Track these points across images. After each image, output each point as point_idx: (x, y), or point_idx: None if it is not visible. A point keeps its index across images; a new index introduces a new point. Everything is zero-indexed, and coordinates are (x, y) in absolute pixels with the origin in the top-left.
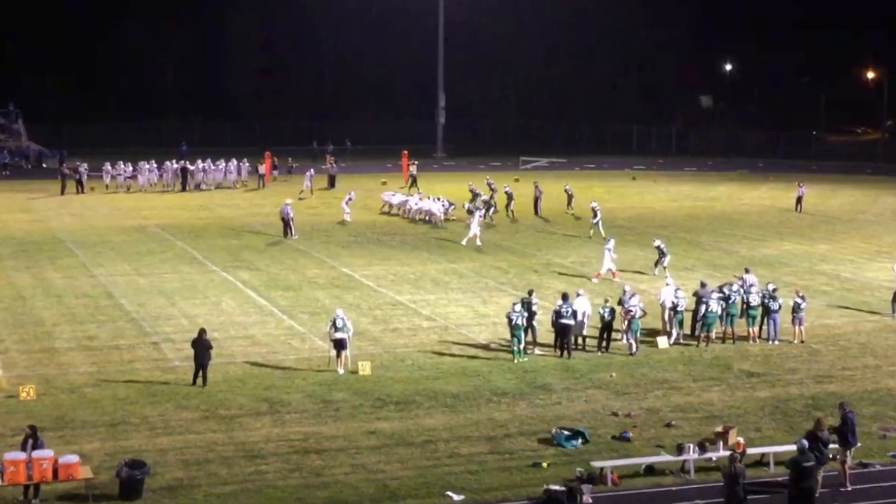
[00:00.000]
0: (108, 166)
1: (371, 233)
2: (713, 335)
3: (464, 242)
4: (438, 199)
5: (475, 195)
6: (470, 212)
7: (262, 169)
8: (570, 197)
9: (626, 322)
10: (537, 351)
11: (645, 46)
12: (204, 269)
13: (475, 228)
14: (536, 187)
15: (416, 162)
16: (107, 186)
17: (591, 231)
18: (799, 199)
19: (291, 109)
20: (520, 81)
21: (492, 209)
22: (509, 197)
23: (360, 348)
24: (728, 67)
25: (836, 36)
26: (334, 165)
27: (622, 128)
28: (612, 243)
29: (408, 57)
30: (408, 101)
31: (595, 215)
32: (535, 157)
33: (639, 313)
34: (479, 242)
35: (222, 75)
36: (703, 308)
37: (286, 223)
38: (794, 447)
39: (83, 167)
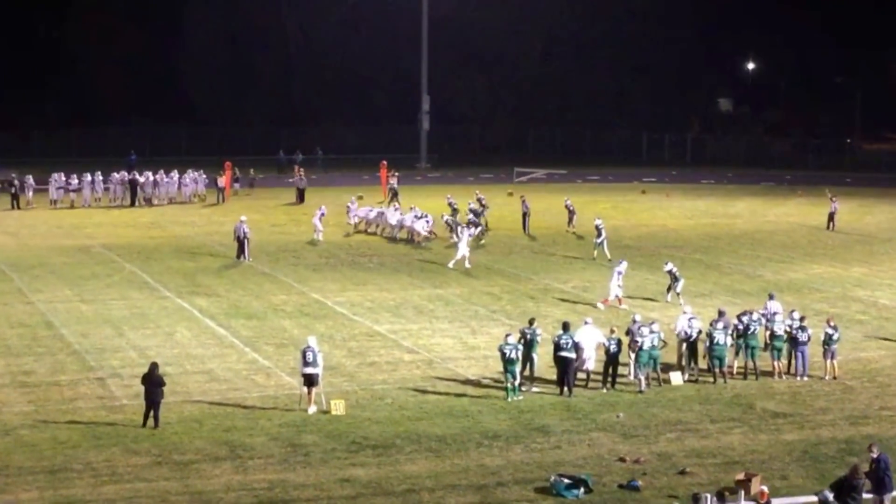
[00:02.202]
0: (59, 177)
1: (345, 254)
2: (726, 369)
3: (451, 265)
4: (424, 215)
5: (455, 209)
6: (450, 227)
7: (222, 181)
8: (571, 213)
9: (634, 355)
10: (534, 388)
11: (656, 43)
12: (156, 295)
13: (464, 249)
14: (524, 203)
15: (396, 173)
16: (52, 202)
17: (595, 252)
18: (831, 216)
19: (255, 114)
20: (514, 83)
21: (480, 228)
22: (524, 213)
23: (333, 385)
24: (750, 66)
25: (874, 28)
26: (303, 178)
27: (630, 135)
28: (623, 266)
29: (387, 55)
30: (387, 104)
31: (599, 234)
32: (532, 168)
33: (648, 344)
34: (468, 264)
35: (177, 75)
36: (708, 340)
37: (241, 243)
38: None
39: (28, 179)
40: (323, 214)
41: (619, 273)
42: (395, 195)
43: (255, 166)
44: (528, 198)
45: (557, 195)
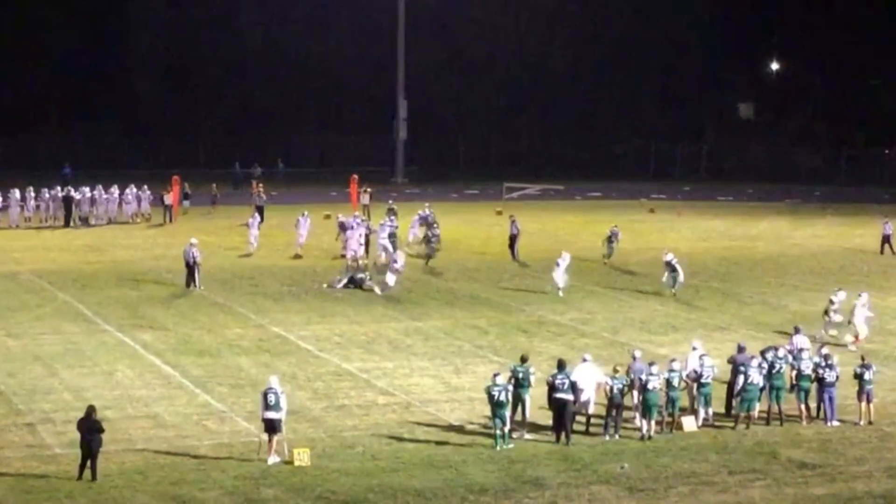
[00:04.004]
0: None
1: (310, 280)
2: (755, 414)
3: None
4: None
5: (392, 232)
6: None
7: (169, 198)
8: (611, 239)
9: (640, 397)
10: (527, 435)
11: (665, 40)
12: (93, 329)
13: (391, 279)
14: (513, 223)
15: (368, 189)
16: None
17: (675, 291)
18: (886, 239)
19: (207, 122)
20: (504, 86)
21: (432, 242)
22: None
23: (296, 431)
24: (774, 67)
25: None
26: (262, 194)
27: (637, 145)
28: (865, 298)
29: (359, 55)
30: (358, 111)
31: (674, 269)
32: (524, 182)
33: (653, 385)
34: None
35: (118, 78)
36: (741, 379)
37: (191, 269)
38: None
39: None
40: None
41: (863, 306)
42: (366, 214)
43: (211, 181)
44: (518, 217)
45: (553, 214)
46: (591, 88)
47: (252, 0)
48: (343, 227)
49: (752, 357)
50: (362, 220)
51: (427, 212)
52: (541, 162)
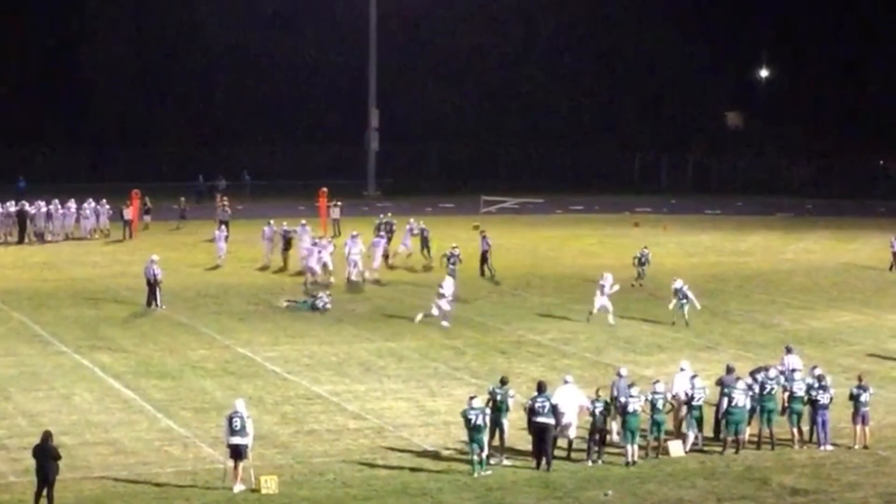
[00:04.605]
0: None
1: (278, 298)
2: (744, 438)
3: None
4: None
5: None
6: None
7: (129, 213)
8: (641, 261)
9: (622, 419)
10: (505, 460)
11: (650, 46)
12: (50, 350)
13: (445, 306)
14: (484, 239)
15: (338, 203)
16: None
17: (684, 318)
18: (895, 256)
19: (169, 133)
20: (481, 94)
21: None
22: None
23: (263, 457)
24: (764, 74)
25: None
26: (227, 208)
27: (620, 156)
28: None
29: (328, 62)
30: (328, 121)
31: (683, 297)
32: (502, 196)
33: (634, 407)
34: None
35: (75, 85)
36: (725, 402)
37: (152, 287)
38: None
39: None
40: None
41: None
42: (336, 228)
43: (173, 194)
44: (494, 232)
45: (533, 228)
46: (572, 97)
47: (217, 6)
48: (285, 237)
49: (737, 378)
50: (329, 241)
51: (414, 223)
52: (520, 174)
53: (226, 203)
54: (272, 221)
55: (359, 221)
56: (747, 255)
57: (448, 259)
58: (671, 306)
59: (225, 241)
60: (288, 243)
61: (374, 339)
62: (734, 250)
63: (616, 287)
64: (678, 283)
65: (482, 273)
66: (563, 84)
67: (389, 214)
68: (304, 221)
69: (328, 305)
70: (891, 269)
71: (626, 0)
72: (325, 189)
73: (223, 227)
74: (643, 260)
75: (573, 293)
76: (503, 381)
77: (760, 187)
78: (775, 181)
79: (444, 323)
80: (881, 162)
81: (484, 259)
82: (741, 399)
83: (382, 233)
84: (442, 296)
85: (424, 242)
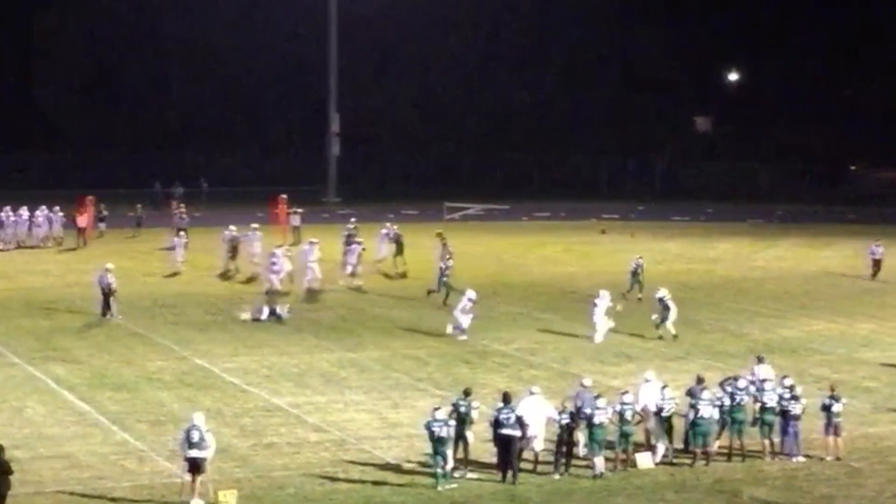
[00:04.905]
0: None
1: (237, 309)
2: (713, 450)
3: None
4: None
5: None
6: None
7: (82, 220)
8: (636, 272)
9: (588, 431)
10: (470, 473)
11: (617, 49)
12: (1, 362)
13: (462, 318)
14: (444, 246)
15: (298, 210)
16: None
17: (661, 331)
18: (876, 264)
19: (123, 137)
20: (446, 98)
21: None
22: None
23: (222, 471)
24: (733, 77)
25: (887, 35)
26: (184, 216)
27: (587, 162)
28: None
29: (288, 65)
30: (287, 125)
31: (667, 308)
32: (466, 202)
33: (600, 419)
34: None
35: (26, 87)
36: (692, 413)
37: (106, 296)
38: None
39: None
40: (363, 249)
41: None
42: (296, 236)
43: (129, 201)
44: (457, 239)
45: (498, 235)
46: (540, 102)
47: (174, 8)
48: (232, 243)
49: (703, 389)
50: (286, 251)
51: (388, 228)
52: (485, 180)
53: (183, 210)
54: (232, 227)
55: (319, 229)
56: (717, 262)
57: (443, 272)
58: (653, 317)
59: (185, 248)
60: (234, 249)
61: (335, 349)
62: (703, 258)
63: (610, 305)
64: (661, 293)
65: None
66: (529, 89)
67: (353, 220)
68: (255, 226)
69: (287, 314)
70: (873, 276)
71: (593, 4)
72: (283, 196)
73: (182, 233)
74: (637, 271)
75: (539, 302)
76: (466, 393)
77: (729, 193)
78: (744, 187)
79: (461, 335)
80: (853, 167)
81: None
82: (708, 410)
83: (359, 239)
84: (463, 309)
85: (399, 248)
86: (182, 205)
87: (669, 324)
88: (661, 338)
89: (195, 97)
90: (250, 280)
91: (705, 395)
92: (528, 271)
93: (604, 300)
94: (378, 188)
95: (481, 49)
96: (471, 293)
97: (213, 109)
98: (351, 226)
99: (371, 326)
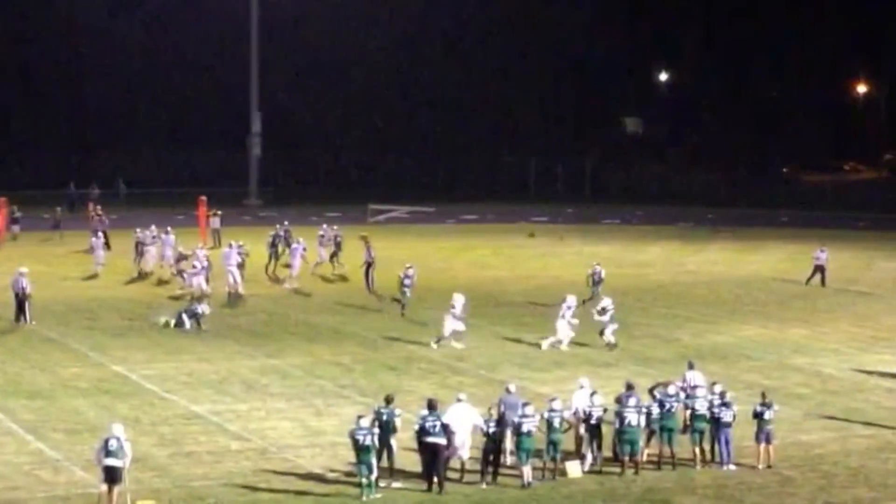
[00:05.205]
0: None
1: (154, 314)
2: (642, 458)
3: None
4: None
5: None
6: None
7: None
8: (595, 279)
9: (516, 439)
10: (395, 483)
11: (546, 48)
12: None
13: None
14: (368, 250)
15: (218, 212)
16: None
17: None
18: (819, 269)
19: (37, 137)
20: (370, 98)
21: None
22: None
23: (139, 481)
24: (663, 77)
25: (816, 36)
26: (105, 218)
27: (515, 163)
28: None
29: (208, 63)
30: (207, 125)
31: (603, 312)
32: (391, 204)
33: (528, 427)
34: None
35: None
36: (617, 421)
37: (20, 302)
38: None
39: None
40: (304, 249)
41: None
42: (217, 239)
43: (44, 203)
44: (379, 242)
45: (424, 238)
46: (467, 101)
47: (89, 4)
48: (139, 245)
49: (629, 396)
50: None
51: (325, 229)
52: (410, 181)
53: (99, 212)
54: (154, 227)
55: (240, 231)
56: (647, 266)
57: (402, 281)
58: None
59: (103, 249)
60: (141, 251)
61: (257, 355)
62: (634, 261)
63: (574, 315)
64: (606, 302)
65: (368, 288)
66: (457, 89)
67: (286, 223)
68: (169, 229)
69: (206, 311)
70: (822, 283)
71: (520, 3)
72: (204, 197)
73: (100, 234)
74: (596, 279)
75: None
76: (388, 400)
77: (660, 196)
78: (675, 190)
79: (457, 345)
80: (784, 169)
81: (367, 272)
82: (634, 418)
83: (301, 238)
84: (454, 315)
85: (337, 249)
86: (98, 206)
87: (609, 332)
88: (613, 346)
89: (114, 97)
90: (162, 283)
91: (631, 401)
92: (455, 276)
93: (570, 307)
94: (300, 189)
95: (409, 51)
96: (458, 298)
97: (133, 109)
98: (281, 228)
99: (294, 332)
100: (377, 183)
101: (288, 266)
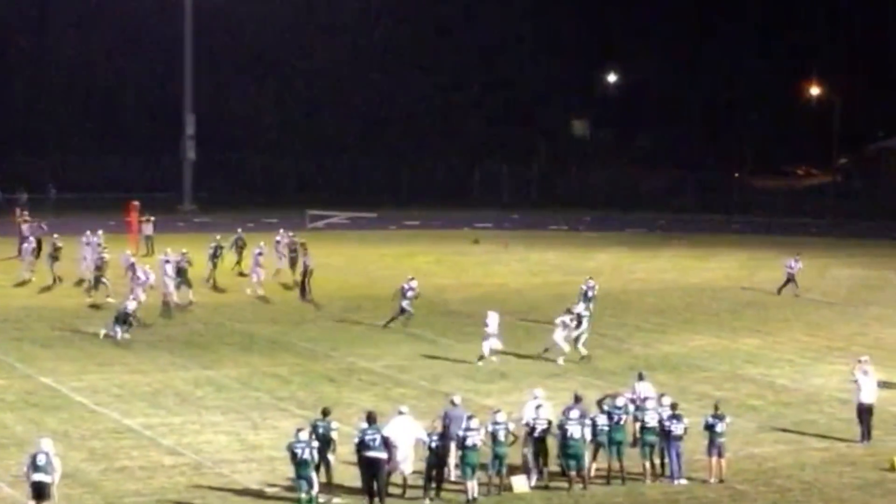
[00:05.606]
0: None
1: (85, 323)
2: (589, 474)
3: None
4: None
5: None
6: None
7: None
8: (588, 295)
9: (460, 453)
10: (336, 499)
11: (490, 48)
12: None
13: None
14: (305, 256)
15: (151, 218)
16: None
17: (578, 349)
18: (791, 278)
19: None
20: (309, 98)
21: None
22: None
23: (69, 498)
24: (611, 79)
25: (768, 39)
26: (43, 225)
27: (459, 167)
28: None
29: (139, 61)
30: (139, 127)
31: (579, 324)
32: (330, 210)
33: (473, 441)
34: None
35: None
36: (559, 434)
37: None
38: None
39: None
40: (261, 254)
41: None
42: (149, 245)
43: None
44: (317, 249)
45: (364, 245)
46: (408, 103)
47: (15, 5)
48: (54, 247)
49: (572, 408)
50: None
51: (282, 236)
52: (350, 186)
53: (27, 218)
54: (89, 232)
55: (174, 239)
56: (595, 274)
57: (403, 293)
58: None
59: (32, 254)
60: (56, 252)
61: (191, 366)
62: (581, 269)
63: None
64: (579, 308)
65: (303, 296)
66: (398, 92)
67: (240, 230)
68: (100, 231)
69: (135, 311)
70: (796, 294)
71: (467, 4)
72: (136, 203)
73: (30, 239)
74: (589, 294)
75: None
76: (325, 413)
77: (609, 201)
78: (624, 195)
79: (495, 359)
80: (735, 174)
81: (304, 279)
82: (577, 430)
83: (262, 243)
84: (488, 332)
85: (295, 255)
86: (26, 212)
87: (582, 340)
88: (584, 358)
89: (42, 98)
90: (80, 282)
91: (573, 413)
92: (397, 284)
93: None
94: (236, 195)
95: (349, 54)
96: (492, 315)
97: (62, 110)
98: (282, 234)
99: (229, 342)
100: (316, 188)
101: (243, 275)
